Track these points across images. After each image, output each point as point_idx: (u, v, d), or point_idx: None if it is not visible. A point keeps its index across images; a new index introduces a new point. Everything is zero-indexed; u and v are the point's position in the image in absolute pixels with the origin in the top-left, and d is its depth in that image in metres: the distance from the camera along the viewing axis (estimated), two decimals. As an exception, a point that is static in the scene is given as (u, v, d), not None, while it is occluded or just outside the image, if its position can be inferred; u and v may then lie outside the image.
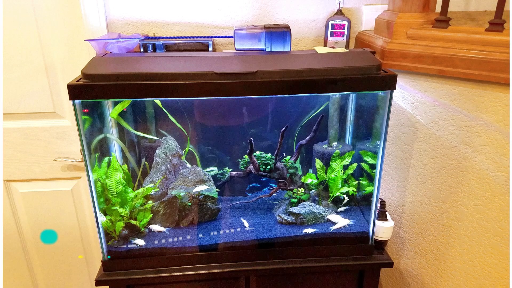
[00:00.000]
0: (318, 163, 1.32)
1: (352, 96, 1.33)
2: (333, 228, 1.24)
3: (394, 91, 1.06)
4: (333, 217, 1.25)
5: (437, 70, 1.14)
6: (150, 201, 1.23)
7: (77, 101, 1.01)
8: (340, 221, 1.24)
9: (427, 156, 1.26)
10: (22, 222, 1.67)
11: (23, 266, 1.75)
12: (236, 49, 1.18)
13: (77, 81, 0.99)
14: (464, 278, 1.26)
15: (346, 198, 1.30)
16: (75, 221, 1.69)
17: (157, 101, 1.27)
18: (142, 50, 1.27)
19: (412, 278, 1.44)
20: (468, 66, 1.07)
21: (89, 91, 0.98)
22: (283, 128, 1.28)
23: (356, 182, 1.31)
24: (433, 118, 1.21)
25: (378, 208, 1.24)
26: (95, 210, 1.13)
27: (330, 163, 1.30)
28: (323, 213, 1.25)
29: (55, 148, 1.54)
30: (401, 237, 1.43)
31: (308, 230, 1.23)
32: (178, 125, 1.31)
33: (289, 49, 1.18)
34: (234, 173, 1.38)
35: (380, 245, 1.28)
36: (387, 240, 1.28)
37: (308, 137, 1.33)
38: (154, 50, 1.27)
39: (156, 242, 1.20)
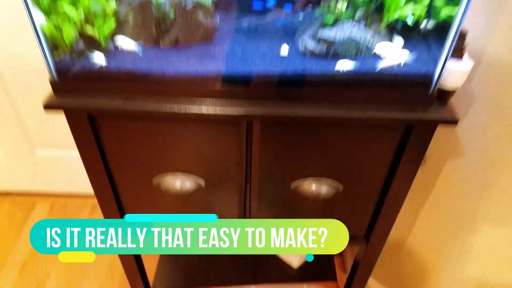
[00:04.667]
0: (373, -36, 0.84)
1: None
2: (381, 64, 0.83)
3: None
4: (383, 46, 0.83)
5: None
6: (113, 2, 0.84)
7: None
8: (391, 55, 0.83)
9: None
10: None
11: None
12: None
13: None
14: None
15: (409, 24, 0.86)
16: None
17: None
18: None
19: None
20: None
21: None
22: None
23: (428, 0, 0.85)
24: None
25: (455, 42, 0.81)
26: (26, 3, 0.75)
27: (392, -35, 0.83)
28: (369, 43, 0.84)
29: None
30: (471, 91, 1.03)
31: (343, 66, 0.83)
32: None
33: None
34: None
35: (444, 96, 0.88)
36: (454, 91, 0.89)
37: None
38: None
39: (124, 63, 0.85)
